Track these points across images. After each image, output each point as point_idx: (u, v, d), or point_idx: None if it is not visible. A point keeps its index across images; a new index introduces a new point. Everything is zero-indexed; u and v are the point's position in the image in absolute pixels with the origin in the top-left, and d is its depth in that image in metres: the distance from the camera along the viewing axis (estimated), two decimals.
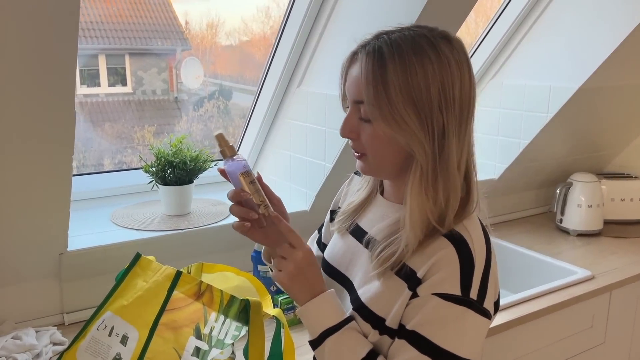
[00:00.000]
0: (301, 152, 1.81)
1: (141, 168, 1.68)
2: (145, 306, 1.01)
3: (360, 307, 0.91)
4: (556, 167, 2.36)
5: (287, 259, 0.90)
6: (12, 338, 1.29)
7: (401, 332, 0.85)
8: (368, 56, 0.84)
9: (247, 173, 0.92)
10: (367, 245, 0.94)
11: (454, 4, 1.46)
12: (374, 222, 0.96)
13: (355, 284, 0.95)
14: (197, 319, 1.01)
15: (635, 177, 2.33)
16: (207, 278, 1.26)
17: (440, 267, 0.83)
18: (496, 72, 2.19)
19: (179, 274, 1.02)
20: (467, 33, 2.21)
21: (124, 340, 1.00)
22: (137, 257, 1.11)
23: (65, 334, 1.39)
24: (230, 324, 1.02)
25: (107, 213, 1.69)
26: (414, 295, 0.85)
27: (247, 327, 1.02)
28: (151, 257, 1.22)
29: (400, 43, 0.83)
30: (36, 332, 1.35)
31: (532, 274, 1.96)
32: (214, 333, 1.01)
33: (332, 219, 1.10)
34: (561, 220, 2.24)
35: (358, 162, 0.93)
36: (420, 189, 0.84)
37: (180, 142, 1.68)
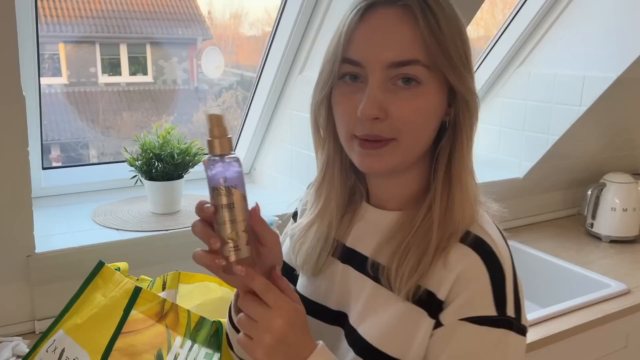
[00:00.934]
0: (303, 146, 1.65)
1: (125, 161, 1.53)
2: (99, 327, 0.86)
3: (364, 350, 0.71)
4: (588, 166, 2.20)
5: (260, 326, 0.63)
6: None
7: None
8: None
9: (230, 189, 0.60)
10: (374, 273, 0.73)
11: None
12: (367, 240, 0.77)
13: (352, 319, 0.75)
14: (160, 344, 0.85)
15: None
16: (185, 289, 1.11)
17: (465, 283, 0.66)
18: (523, 60, 2.03)
19: (137, 290, 0.87)
20: (494, 26, 2.06)
21: None
22: (100, 265, 0.97)
23: (33, 344, 1.25)
24: (198, 351, 0.87)
25: (89, 210, 1.55)
26: (438, 323, 0.67)
27: (219, 354, 0.86)
28: (123, 264, 1.07)
29: None
30: None
31: (558, 285, 1.79)
32: None
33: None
34: (592, 225, 2.05)
35: (374, 158, 0.69)
36: (467, 158, 0.71)
37: (169, 132, 1.53)
